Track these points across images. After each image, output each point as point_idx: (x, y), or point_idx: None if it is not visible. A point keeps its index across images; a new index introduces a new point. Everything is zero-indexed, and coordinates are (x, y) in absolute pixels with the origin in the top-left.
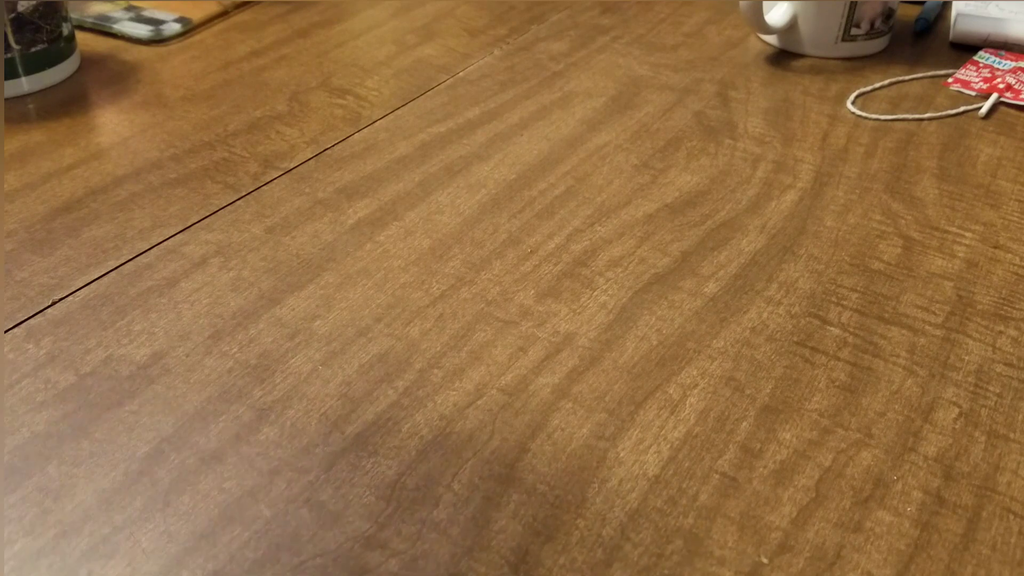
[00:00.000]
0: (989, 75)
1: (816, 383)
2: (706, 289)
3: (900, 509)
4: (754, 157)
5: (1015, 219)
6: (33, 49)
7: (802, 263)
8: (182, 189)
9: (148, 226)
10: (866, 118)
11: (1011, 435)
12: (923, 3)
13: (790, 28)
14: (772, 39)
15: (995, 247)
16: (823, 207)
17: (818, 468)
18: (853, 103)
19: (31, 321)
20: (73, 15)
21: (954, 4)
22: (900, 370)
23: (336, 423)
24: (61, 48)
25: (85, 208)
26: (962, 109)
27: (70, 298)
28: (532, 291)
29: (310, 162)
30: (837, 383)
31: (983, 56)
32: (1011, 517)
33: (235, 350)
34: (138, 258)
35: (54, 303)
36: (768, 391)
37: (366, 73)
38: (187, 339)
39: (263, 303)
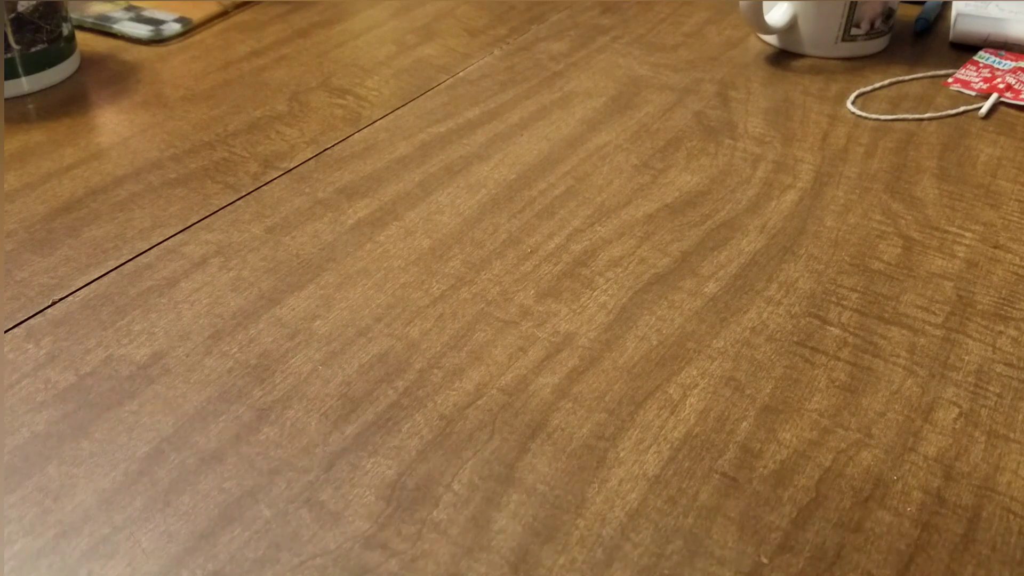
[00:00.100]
0: (989, 75)
1: (816, 383)
2: (706, 289)
3: (900, 509)
4: (754, 157)
5: (1015, 219)
6: (33, 49)
7: (802, 263)
8: (182, 189)
9: (148, 226)
10: (866, 118)
11: (1011, 435)
12: (923, 3)
13: (790, 28)
14: (772, 39)
15: (995, 247)
16: (823, 207)
17: (818, 468)
18: (853, 103)
19: (31, 321)
20: (73, 15)
21: (954, 4)
22: (900, 370)
23: (336, 423)
24: (61, 48)
25: (85, 208)
26: (962, 109)
27: (70, 298)
28: (532, 291)
29: (310, 162)
30: (837, 383)
31: (983, 56)
32: (1011, 517)
33: (235, 350)
34: (138, 258)
35: (54, 303)
36: (768, 391)
37: (366, 73)
38: (187, 339)
39: (263, 303)
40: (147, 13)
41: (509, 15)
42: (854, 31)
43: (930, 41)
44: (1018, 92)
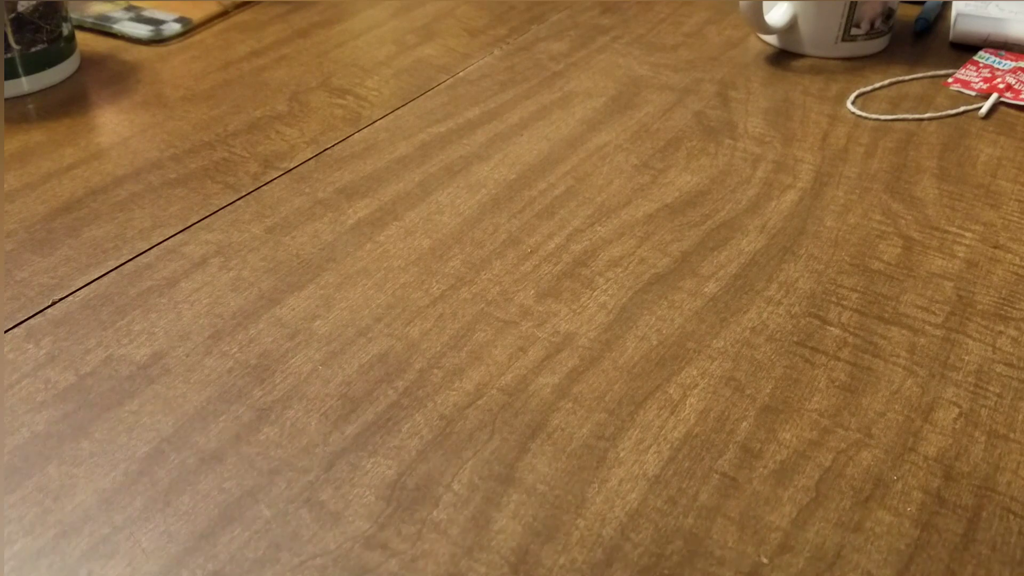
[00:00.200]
0: (989, 75)
1: (816, 383)
2: (706, 289)
3: (900, 509)
4: (754, 157)
5: (1015, 219)
6: (33, 49)
7: (802, 263)
8: (182, 189)
9: (148, 226)
10: (866, 118)
11: (1011, 435)
12: (923, 3)
13: (790, 28)
14: (772, 39)
15: (995, 247)
16: (823, 207)
17: (818, 468)
18: (853, 103)
19: (31, 321)
20: (73, 15)
21: (954, 4)
22: (900, 370)
23: (336, 423)
24: (61, 48)
25: (85, 208)
26: (962, 109)
27: (70, 298)
28: (532, 291)
29: (310, 162)
30: (837, 383)
31: (983, 56)
32: (1011, 517)
33: (235, 350)
34: (138, 258)
35: (54, 303)
36: (768, 391)
37: (366, 73)
38: (187, 339)
39: (263, 303)
40: (147, 13)
41: (509, 15)
42: (854, 31)
43: (930, 41)
44: (1018, 92)
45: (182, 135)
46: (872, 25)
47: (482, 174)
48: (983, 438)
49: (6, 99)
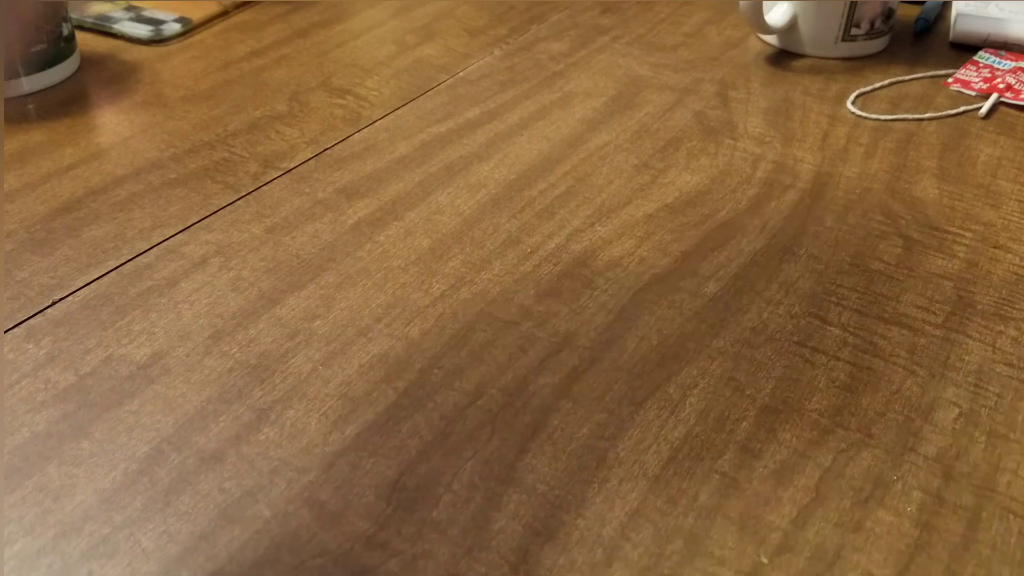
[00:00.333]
0: (989, 75)
1: (816, 383)
2: (706, 289)
3: (900, 509)
4: (754, 157)
5: (1015, 219)
6: (33, 49)
7: (802, 263)
8: (182, 189)
9: (148, 226)
10: (866, 118)
11: (1011, 435)
12: (923, 3)
13: (790, 28)
14: (772, 39)
15: (995, 247)
16: (823, 207)
17: (818, 468)
18: (853, 103)
19: (31, 321)
20: (73, 15)
21: (954, 4)
22: (900, 370)
23: (336, 423)
24: (61, 48)
25: (85, 208)
26: (962, 109)
27: (70, 298)
28: (532, 291)
29: (310, 162)
30: (837, 383)
31: (983, 56)
32: (1011, 517)
33: (235, 350)
34: (138, 258)
35: (54, 303)
36: (768, 391)
37: (366, 73)
38: (187, 339)
39: (263, 303)
40: (147, 13)
41: (509, 15)
42: (854, 31)
43: (930, 41)
44: (1018, 92)
45: (182, 135)
46: (872, 25)
47: (482, 174)
48: (983, 438)
49: (6, 99)
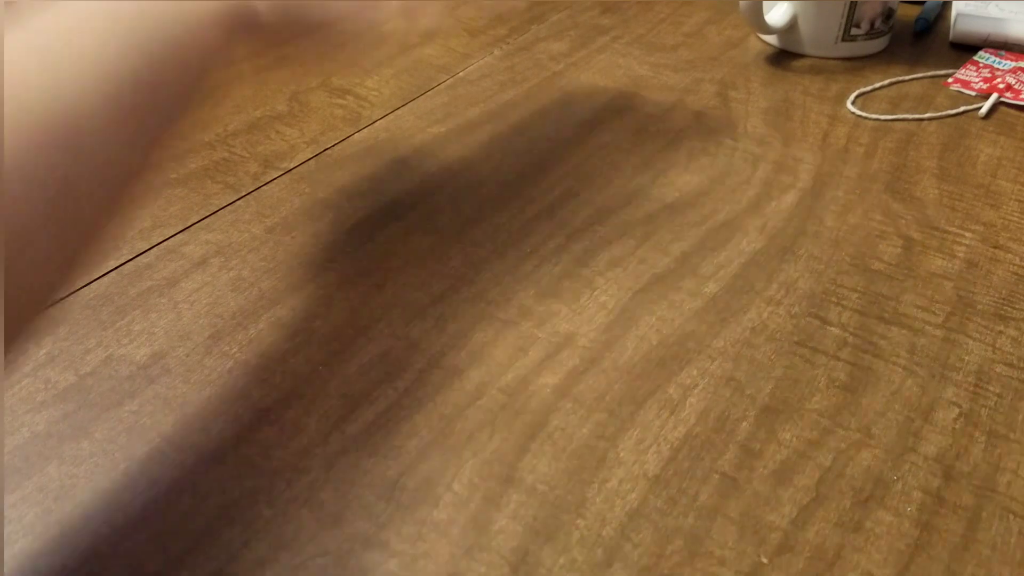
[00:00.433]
0: (989, 75)
1: (816, 383)
2: (706, 289)
3: (900, 509)
4: (754, 157)
5: (1015, 219)
6: None
7: (802, 263)
8: (182, 189)
9: (148, 226)
10: (866, 118)
11: (1011, 435)
12: (923, 3)
13: (790, 28)
14: (772, 39)
15: (995, 247)
16: (823, 207)
17: (818, 468)
18: (853, 103)
19: None
20: None
21: (954, 4)
22: (900, 370)
23: (336, 423)
24: None
25: None
26: (962, 109)
27: (70, 298)
28: (532, 291)
29: (310, 162)
30: (837, 383)
31: (983, 56)
32: (1011, 517)
33: (235, 350)
34: (138, 258)
35: (54, 303)
36: (768, 391)
37: (366, 73)
38: (187, 339)
39: (263, 303)
40: None
41: (509, 15)
42: (854, 31)
43: (930, 41)
44: (1018, 92)
45: (182, 135)
46: (872, 25)
47: (482, 174)
48: (983, 438)
49: None
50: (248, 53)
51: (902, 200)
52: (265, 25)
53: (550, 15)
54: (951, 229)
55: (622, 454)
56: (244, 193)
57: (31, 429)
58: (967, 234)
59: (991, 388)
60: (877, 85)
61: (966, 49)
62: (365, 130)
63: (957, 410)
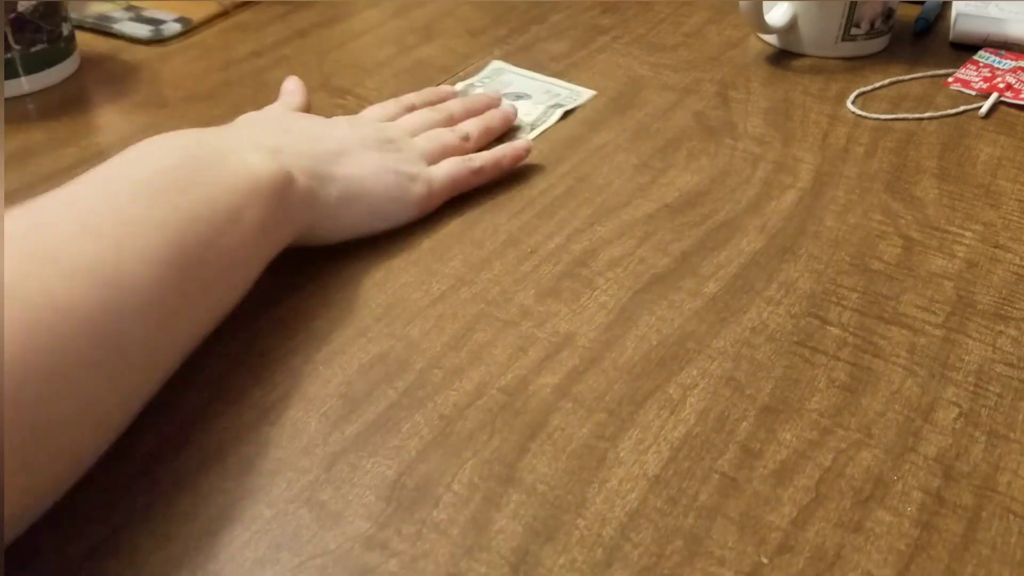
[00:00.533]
0: (989, 75)
1: (816, 383)
2: (706, 289)
3: (900, 509)
4: (754, 157)
5: (1015, 219)
6: (33, 49)
7: (802, 263)
8: None
9: None
10: (866, 118)
11: (1011, 435)
12: (923, 3)
13: (790, 28)
14: (772, 39)
15: (995, 247)
16: (823, 207)
17: (818, 468)
18: (853, 103)
19: None
20: (73, 15)
21: (954, 4)
22: (900, 370)
23: (336, 423)
24: (61, 48)
25: None
26: (962, 109)
27: None
28: (532, 291)
29: None
30: (837, 383)
31: (983, 56)
32: (1011, 517)
33: (235, 350)
34: None
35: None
36: (768, 391)
37: (366, 73)
38: None
39: (263, 303)
40: (147, 13)
41: (509, 15)
42: (854, 31)
43: (930, 41)
44: (1018, 92)
45: None
46: (872, 25)
47: None
48: (983, 438)
49: (6, 99)
50: (248, 53)
51: (902, 200)
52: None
53: (550, 15)
54: (951, 229)
55: (622, 454)
56: None
57: None
58: (967, 234)
59: (991, 388)
60: (877, 85)
61: (966, 49)
62: None
63: (957, 410)
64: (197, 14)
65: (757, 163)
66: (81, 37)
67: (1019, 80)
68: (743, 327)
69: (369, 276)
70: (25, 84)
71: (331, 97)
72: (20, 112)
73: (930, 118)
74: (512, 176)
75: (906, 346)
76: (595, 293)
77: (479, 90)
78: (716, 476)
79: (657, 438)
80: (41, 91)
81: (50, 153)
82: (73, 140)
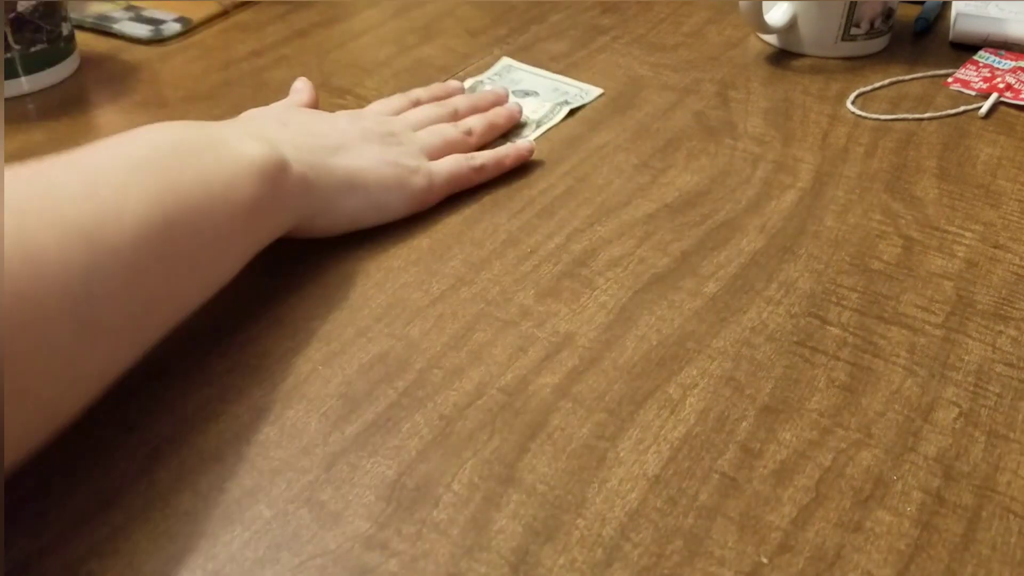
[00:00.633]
0: (989, 75)
1: (816, 383)
2: (706, 289)
3: (900, 509)
4: (754, 157)
5: (1015, 219)
6: (33, 49)
7: (802, 263)
8: None
9: None
10: (866, 118)
11: (1011, 435)
12: (923, 3)
13: (790, 28)
14: (772, 39)
15: (995, 247)
16: (823, 207)
17: (818, 468)
18: (853, 103)
19: None
20: (73, 15)
21: (954, 4)
22: (900, 370)
23: (336, 423)
24: (61, 48)
25: None
26: (962, 109)
27: None
28: (532, 291)
29: None
30: (837, 383)
31: (983, 56)
32: (1011, 517)
33: (235, 350)
34: None
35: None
36: (768, 391)
37: (366, 73)
38: (187, 339)
39: (263, 303)
40: (147, 13)
41: (509, 15)
42: (854, 31)
43: (930, 41)
44: (1018, 92)
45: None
46: (872, 25)
47: None
48: (983, 438)
49: (6, 99)
50: (248, 53)
51: (902, 200)
52: (295, 174)
53: (550, 15)
54: (951, 229)
55: (622, 454)
56: None
57: None
58: (967, 234)
59: (991, 388)
60: (877, 85)
61: (966, 49)
62: None
63: (957, 410)
64: (197, 14)
65: (757, 163)
66: (81, 37)
67: (1019, 80)
68: (743, 327)
69: (369, 276)
70: (25, 84)
71: (331, 97)
72: (20, 112)
73: (930, 118)
74: (512, 175)
75: (906, 346)
76: (595, 293)
77: (487, 87)
78: (716, 476)
79: (657, 438)
80: (41, 91)
81: (50, 153)
82: (73, 140)
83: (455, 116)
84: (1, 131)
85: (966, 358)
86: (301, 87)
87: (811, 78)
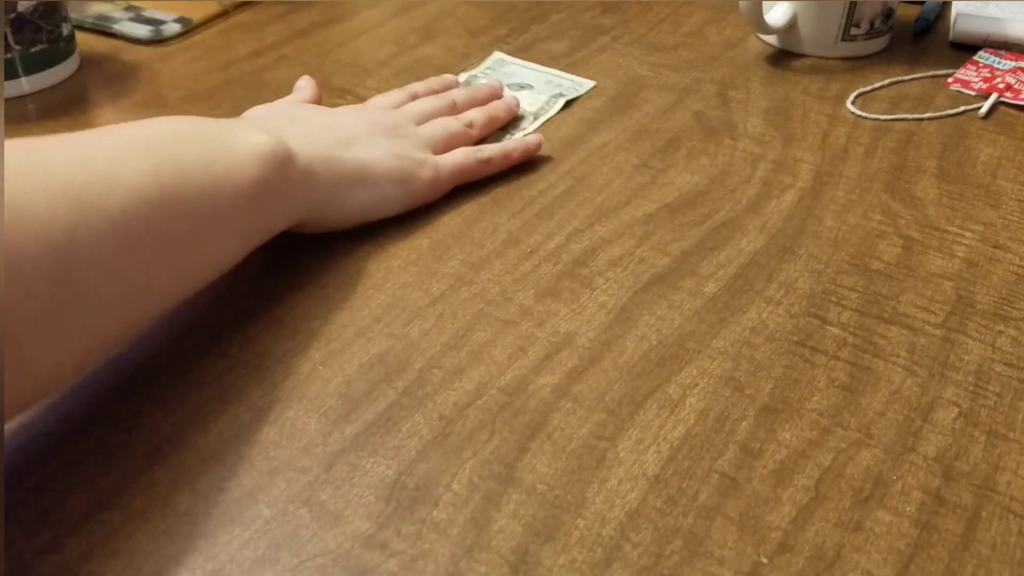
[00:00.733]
0: (989, 75)
1: (816, 383)
2: (706, 289)
3: (900, 509)
4: (754, 157)
5: (1015, 219)
6: (33, 49)
7: (802, 263)
8: None
9: None
10: (866, 118)
11: (1011, 435)
12: (923, 3)
13: (790, 28)
14: (772, 39)
15: (995, 247)
16: (823, 207)
17: (818, 468)
18: (853, 103)
19: None
20: (73, 15)
21: (954, 4)
22: (900, 370)
23: (336, 423)
24: (61, 48)
25: None
26: (962, 109)
27: None
28: (532, 291)
29: None
30: (837, 383)
31: (983, 56)
32: (1011, 517)
33: (235, 350)
34: None
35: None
36: (768, 391)
37: (366, 73)
38: (187, 339)
39: (263, 303)
40: (147, 13)
41: (509, 15)
42: (854, 31)
43: (930, 41)
44: (1018, 92)
45: None
46: (872, 25)
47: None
48: (983, 438)
49: (6, 99)
50: (248, 53)
51: (902, 200)
52: (299, 162)
53: (550, 15)
54: (951, 229)
55: (622, 454)
56: None
57: (30, 429)
58: (967, 234)
59: (991, 388)
60: (877, 85)
61: (966, 49)
62: None
63: (957, 410)
64: (197, 14)
65: (757, 163)
66: (81, 37)
67: (1019, 80)
68: (743, 327)
69: (369, 276)
70: (25, 84)
71: (331, 97)
72: (20, 112)
73: (930, 118)
74: (512, 175)
75: (906, 346)
76: (595, 293)
77: (482, 81)
78: (716, 476)
79: (657, 438)
80: (41, 91)
81: None
82: None
83: (454, 109)
84: (1, 131)
85: (966, 358)
86: (304, 85)
87: (811, 78)
